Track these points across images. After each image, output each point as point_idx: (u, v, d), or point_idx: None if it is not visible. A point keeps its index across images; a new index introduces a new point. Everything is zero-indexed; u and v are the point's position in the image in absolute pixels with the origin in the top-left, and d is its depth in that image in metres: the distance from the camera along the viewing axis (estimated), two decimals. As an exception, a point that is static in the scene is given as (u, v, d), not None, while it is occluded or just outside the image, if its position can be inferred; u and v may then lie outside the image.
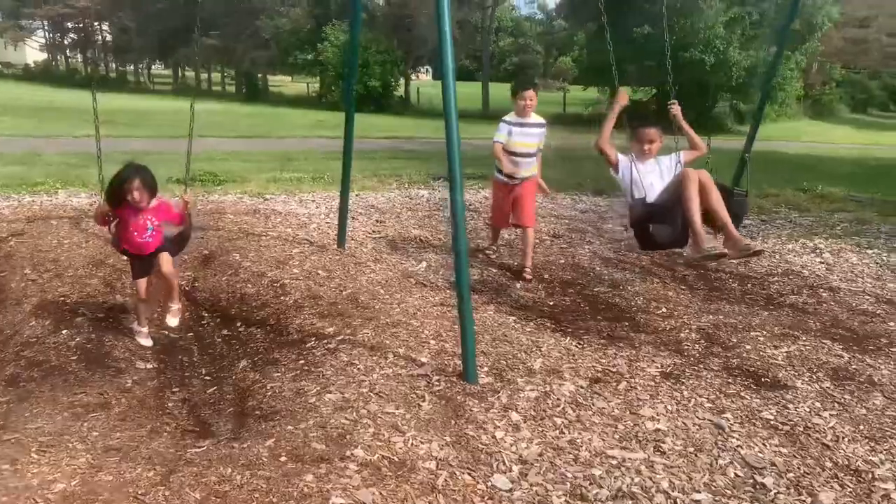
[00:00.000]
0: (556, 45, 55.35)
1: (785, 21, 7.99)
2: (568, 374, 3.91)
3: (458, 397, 3.52)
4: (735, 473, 2.95)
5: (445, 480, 2.76)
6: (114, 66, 59.65)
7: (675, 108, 4.54)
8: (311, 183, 9.75)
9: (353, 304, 4.95)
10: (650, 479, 2.88)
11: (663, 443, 3.17)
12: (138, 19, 44.39)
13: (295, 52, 35.61)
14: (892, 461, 3.10)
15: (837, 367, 4.15)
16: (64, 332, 4.42)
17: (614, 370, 3.99)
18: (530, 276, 5.80)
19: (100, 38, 54.91)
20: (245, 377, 3.91)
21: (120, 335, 4.43)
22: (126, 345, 4.32)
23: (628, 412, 3.47)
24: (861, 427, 3.41)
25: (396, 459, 2.89)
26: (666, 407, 3.54)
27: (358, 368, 3.83)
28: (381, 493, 2.64)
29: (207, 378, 3.99)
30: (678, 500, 2.75)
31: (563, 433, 3.21)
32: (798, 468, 3.02)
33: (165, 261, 4.22)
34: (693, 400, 3.64)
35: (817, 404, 3.65)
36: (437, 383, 3.67)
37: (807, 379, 3.97)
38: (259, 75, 43.86)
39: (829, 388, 3.86)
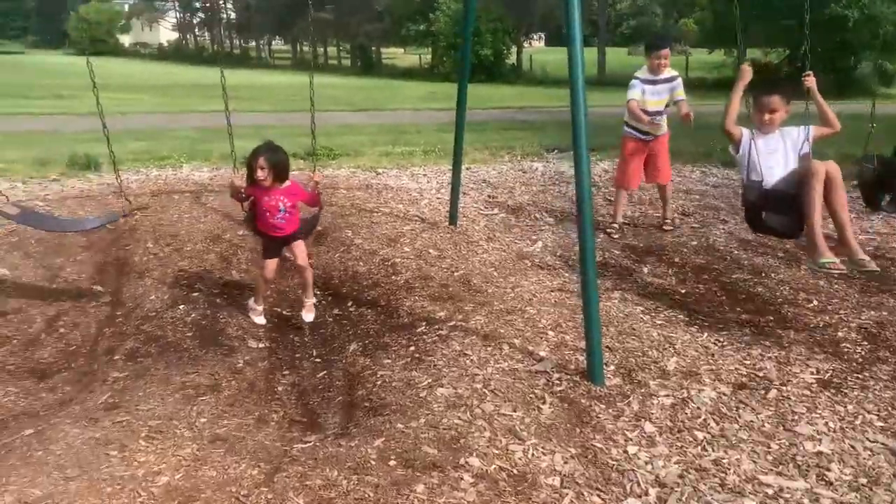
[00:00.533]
0: (677, 5, 52.13)
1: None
2: (707, 377, 3.46)
3: (583, 400, 3.18)
4: (924, 515, 2.45)
5: (571, 502, 2.44)
6: (237, 42, 62.39)
7: (811, 80, 4.00)
8: (423, 156, 9.56)
9: (465, 287, 4.68)
10: (816, 515, 2.43)
11: (828, 470, 2.69)
12: (258, -3, 46.03)
13: (407, 23, 35.64)
14: None
15: None
16: (181, 307, 4.46)
17: (761, 374, 3.49)
18: (671, 227, 6.13)
19: (224, 16, 57.51)
20: (355, 362, 3.75)
21: (234, 312, 4.41)
22: (239, 322, 4.28)
23: (782, 428, 2.99)
24: None
25: (515, 472, 2.60)
26: (827, 424, 3.03)
27: (471, 360, 3.56)
28: (498, 512, 2.36)
29: (318, 360, 3.86)
30: (853, 544, 2.29)
31: (706, 451, 2.80)
32: None
33: (301, 254, 4.19)
34: (860, 417, 3.10)
35: None
36: (559, 382, 3.33)
37: None
38: (373, 48, 44.39)
39: None
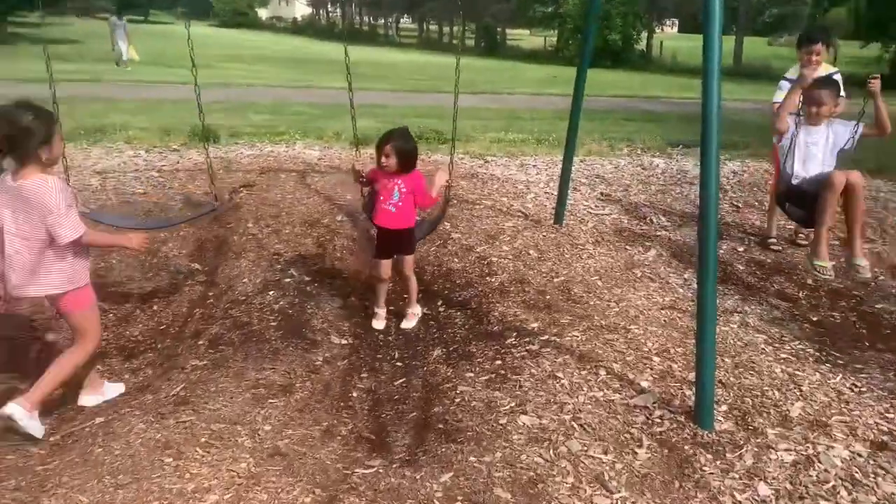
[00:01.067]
0: (828, -7, 47.70)
1: None
2: (839, 431, 2.93)
3: (686, 447, 2.76)
4: None
5: (661, 581, 2.07)
6: (367, 20, 63.73)
7: (876, 85, 4.09)
8: (535, 145, 9.12)
9: (564, 297, 4.32)
10: None
11: None
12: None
13: (535, 4, 34.86)
14: None
15: None
16: (271, 293, 4.40)
17: (910, 435, 2.92)
18: (806, 241, 5.39)
19: (357, -8, 58.87)
20: (436, 370, 3.51)
21: (322, 302, 4.29)
22: (325, 314, 4.16)
23: (935, 510, 2.46)
24: None
25: (597, 533, 2.26)
26: None
27: (561, 384, 3.22)
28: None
29: (398, 364, 3.66)
30: None
31: (835, 531, 2.33)
32: None
33: (407, 263, 4.00)
34: None
35: None
36: (660, 421, 2.93)
37: None
38: (498, 29, 43.88)
39: None
